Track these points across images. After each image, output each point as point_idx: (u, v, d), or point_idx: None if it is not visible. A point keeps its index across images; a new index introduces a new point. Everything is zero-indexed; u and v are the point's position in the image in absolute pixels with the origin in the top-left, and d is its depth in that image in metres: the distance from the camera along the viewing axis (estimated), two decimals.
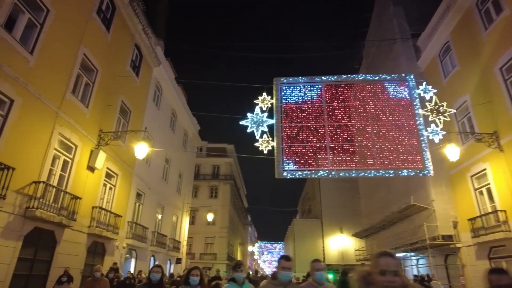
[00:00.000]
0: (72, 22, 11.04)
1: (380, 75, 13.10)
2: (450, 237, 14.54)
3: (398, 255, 19.13)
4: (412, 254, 18.18)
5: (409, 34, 18.66)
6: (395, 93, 12.47)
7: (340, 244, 34.54)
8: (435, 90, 11.71)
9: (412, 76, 12.51)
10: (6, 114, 8.30)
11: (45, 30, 9.65)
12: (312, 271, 3.37)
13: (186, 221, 26.24)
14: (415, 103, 12.04)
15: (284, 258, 3.19)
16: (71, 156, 11.04)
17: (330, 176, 11.41)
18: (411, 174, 11.36)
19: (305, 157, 11.49)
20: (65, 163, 10.86)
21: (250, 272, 27.25)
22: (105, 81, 13.11)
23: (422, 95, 11.85)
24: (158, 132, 18.47)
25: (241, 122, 11.90)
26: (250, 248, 73.43)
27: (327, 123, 12.00)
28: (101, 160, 12.21)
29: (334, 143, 11.71)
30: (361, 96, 12.54)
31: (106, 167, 13.19)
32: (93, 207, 12.24)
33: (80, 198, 10.84)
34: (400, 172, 11.25)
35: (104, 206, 13.08)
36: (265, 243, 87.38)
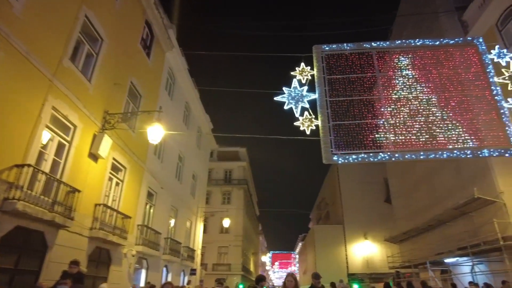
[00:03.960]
0: None
1: (441, 39, 10.82)
2: None
3: (447, 260, 16.55)
4: (464, 259, 15.57)
5: (453, 7, 16.50)
6: (462, 60, 10.30)
7: (365, 252, 32.00)
8: None
9: (481, 40, 10.36)
10: None
11: None
12: None
13: (200, 227, 23.83)
14: (488, 70, 9.85)
15: None
16: (68, 139, 8.80)
17: (393, 159, 9.06)
18: (494, 155, 9.01)
19: (360, 137, 9.16)
20: (60, 146, 8.63)
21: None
22: (112, 55, 10.98)
23: (495, 60, 9.77)
24: (171, 124, 16.22)
25: (275, 98, 9.77)
26: (263, 258, 70.37)
27: (384, 96, 9.77)
28: (106, 146, 9.99)
29: (394, 118, 9.45)
30: (421, 64, 10.36)
31: (113, 157, 10.96)
32: (96, 205, 9.95)
33: (79, 191, 8.56)
34: (479, 153, 8.88)
35: (109, 205, 10.80)
36: (277, 252, 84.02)
